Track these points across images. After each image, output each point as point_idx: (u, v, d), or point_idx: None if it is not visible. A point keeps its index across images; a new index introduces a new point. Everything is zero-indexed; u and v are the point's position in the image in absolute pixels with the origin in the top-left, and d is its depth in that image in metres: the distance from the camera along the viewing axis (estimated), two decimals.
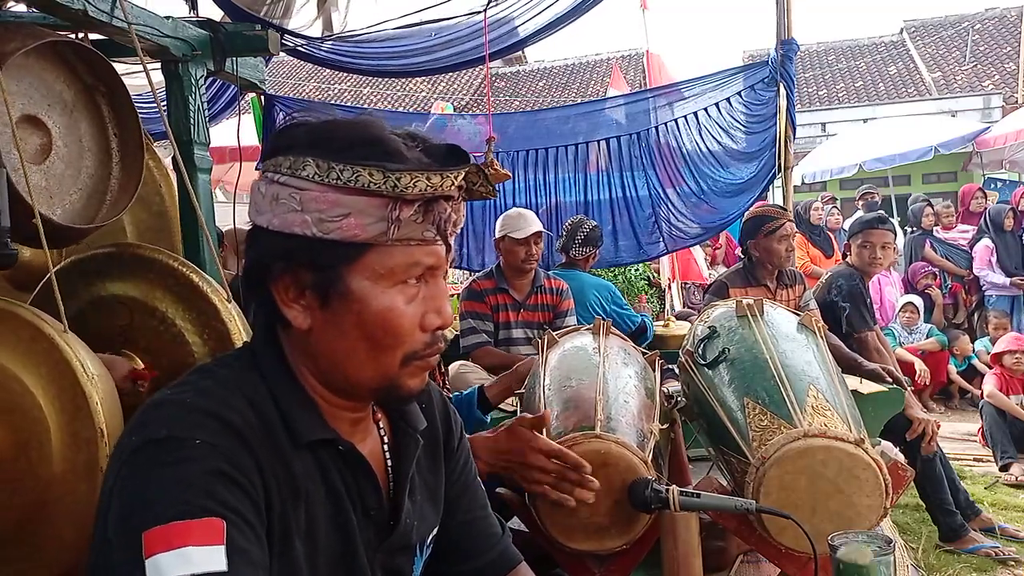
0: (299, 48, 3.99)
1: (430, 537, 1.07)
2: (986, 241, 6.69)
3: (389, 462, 1.01)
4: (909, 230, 7.42)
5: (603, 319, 2.02)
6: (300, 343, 0.91)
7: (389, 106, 13.44)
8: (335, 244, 0.83)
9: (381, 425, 1.03)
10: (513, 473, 1.43)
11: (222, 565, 0.72)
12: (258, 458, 0.82)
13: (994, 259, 6.63)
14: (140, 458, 0.78)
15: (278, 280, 0.87)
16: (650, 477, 1.40)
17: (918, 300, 6.52)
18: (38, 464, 1.52)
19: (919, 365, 5.75)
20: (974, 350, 6.24)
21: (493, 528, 1.16)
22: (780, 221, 3.45)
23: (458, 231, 0.92)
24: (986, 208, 7.07)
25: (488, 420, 2.12)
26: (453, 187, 0.85)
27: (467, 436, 1.50)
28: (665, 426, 1.67)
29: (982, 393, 5.01)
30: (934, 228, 7.18)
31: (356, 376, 0.90)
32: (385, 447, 1.02)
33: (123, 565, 0.73)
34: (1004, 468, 4.50)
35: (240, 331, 1.82)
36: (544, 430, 1.44)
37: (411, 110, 8.04)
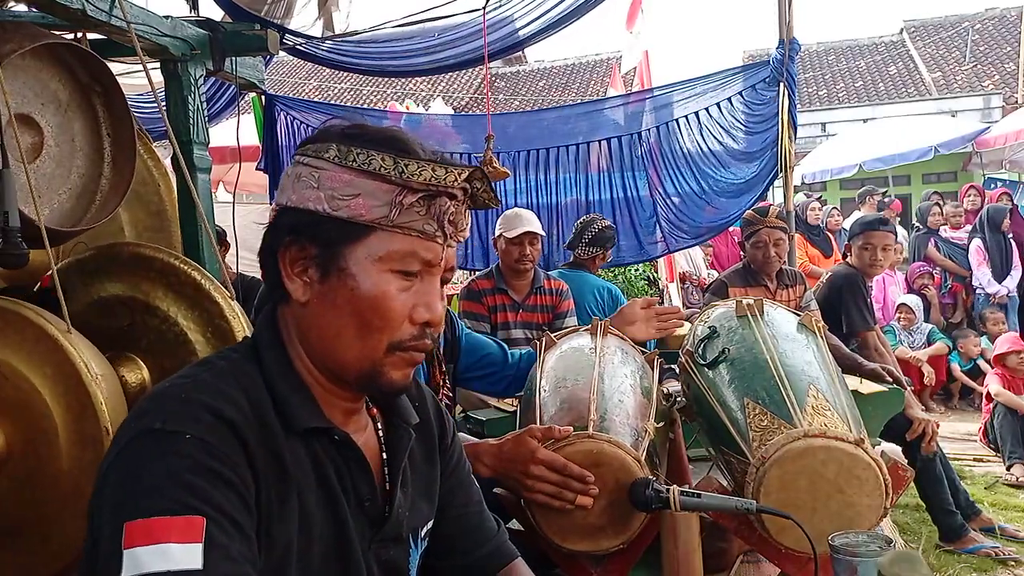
0: (299, 47, 3.98)
1: (424, 530, 1.09)
2: (977, 241, 6.69)
3: (384, 455, 1.04)
4: (917, 228, 7.42)
5: (600, 319, 2.01)
6: (295, 319, 0.95)
7: (389, 106, 13.40)
8: (342, 222, 0.89)
9: (377, 420, 1.06)
10: (513, 479, 1.44)
11: (198, 563, 0.74)
12: (249, 451, 0.84)
13: (985, 258, 6.62)
14: (134, 448, 0.81)
15: (285, 252, 0.92)
16: (649, 477, 1.40)
17: (912, 301, 6.51)
18: (47, 461, 1.55)
19: (926, 369, 5.75)
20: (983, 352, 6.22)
21: (488, 523, 1.18)
22: (756, 227, 3.44)
23: (463, 237, 0.96)
24: (984, 207, 7.07)
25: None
26: (456, 184, 0.91)
27: (474, 441, 1.53)
28: (661, 424, 1.66)
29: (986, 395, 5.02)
30: (941, 227, 7.16)
31: (343, 355, 0.93)
32: (380, 440, 1.04)
33: (104, 551, 0.76)
34: (1010, 467, 4.50)
35: (244, 328, 1.81)
36: (552, 441, 1.44)
37: (411, 110, 8.01)
